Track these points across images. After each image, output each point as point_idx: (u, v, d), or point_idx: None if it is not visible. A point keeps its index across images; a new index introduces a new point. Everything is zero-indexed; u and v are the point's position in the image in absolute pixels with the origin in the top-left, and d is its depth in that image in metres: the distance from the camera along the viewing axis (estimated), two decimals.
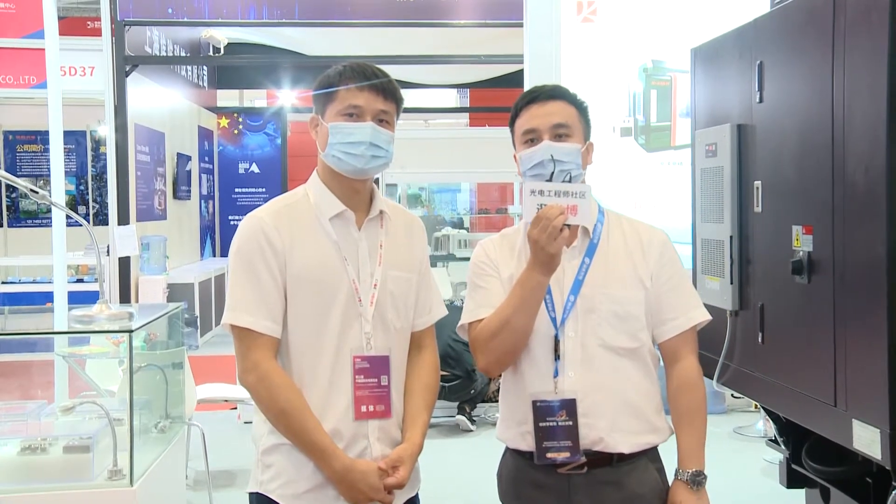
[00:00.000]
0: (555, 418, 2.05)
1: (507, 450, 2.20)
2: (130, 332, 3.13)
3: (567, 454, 2.04)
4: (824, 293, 2.47)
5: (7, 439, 3.13)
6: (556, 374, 2.06)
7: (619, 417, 2.07)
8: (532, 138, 2.10)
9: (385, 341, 2.07)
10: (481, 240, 2.30)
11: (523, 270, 2.02)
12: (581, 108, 2.16)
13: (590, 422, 2.05)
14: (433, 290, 2.24)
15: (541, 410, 2.05)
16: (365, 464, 2.01)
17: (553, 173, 2.04)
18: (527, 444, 2.09)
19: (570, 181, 2.04)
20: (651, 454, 2.13)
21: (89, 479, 3.02)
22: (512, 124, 2.18)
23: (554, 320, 2.07)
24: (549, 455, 2.05)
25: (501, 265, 2.15)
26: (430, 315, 2.22)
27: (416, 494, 2.19)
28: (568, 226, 1.96)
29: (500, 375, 2.22)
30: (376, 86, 2.04)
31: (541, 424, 2.05)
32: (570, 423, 2.04)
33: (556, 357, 2.07)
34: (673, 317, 2.13)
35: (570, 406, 2.04)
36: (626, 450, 2.07)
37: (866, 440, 2.26)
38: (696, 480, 2.07)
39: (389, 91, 2.06)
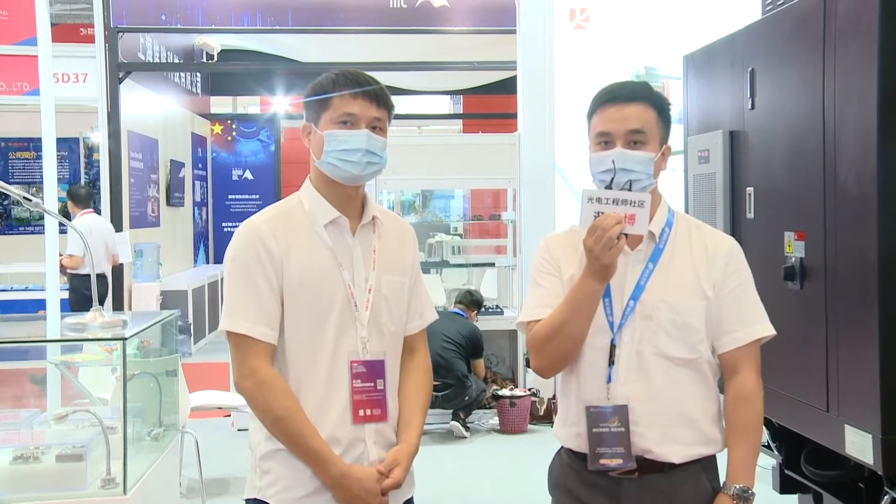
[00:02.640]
0: (607, 424, 2.02)
1: (562, 446, 2.17)
2: (124, 339, 3.12)
3: (620, 461, 2.01)
4: (816, 299, 2.48)
5: None
6: (609, 380, 2.03)
7: (671, 428, 2.03)
8: (606, 141, 2.03)
9: (380, 345, 2.09)
10: (547, 235, 2.23)
11: (579, 277, 1.99)
12: (661, 110, 2.07)
13: (640, 430, 2.02)
14: (425, 294, 2.26)
15: (594, 416, 2.03)
16: (361, 470, 2.02)
17: (613, 180, 1.98)
18: (577, 445, 2.08)
19: (630, 188, 1.98)
20: (706, 463, 2.08)
21: (82, 488, 3.00)
22: (589, 119, 2.10)
23: (611, 325, 2.04)
24: (602, 461, 2.02)
25: (564, 263, 2.11)
26: (422, 319, 2.23)
27: (411, 498, 2.20)
28: (625, 235, 1.91)
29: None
30: (370, 93, 2.06)
31: (594, 430, 2.02)
32: (623, 429, 2.01)
33: (611, 363, 2.03)
34: (733, 329, 2.06)
35: (622, 412, 2.01)
36: (676, 460, 2.03)
37: (858, 445, 2.27)
38: (744, 497, 2.01)
39: (382, 98, 2.08)
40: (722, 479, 2.09)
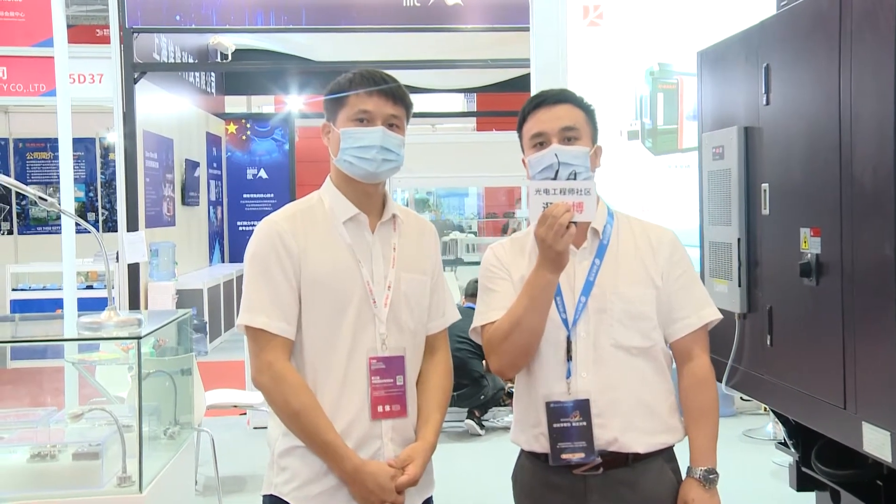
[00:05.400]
0: (568, 419, 2.05)
1: (522, 452, 2.20)
2: (139, 338, 3.14)
3: (582, 455, 2.04)
4: (833, 295, 2.46)
5: (17, 446, 3.14)
6: (568, 375, 2.07)
7: (633, 417, 2.07)
8: (541, 142, 2.10)
9: (399, 342, 2.11)
10: (491, 244, 2.31)
11: (532, 270, 2.03)
12: (588, 112, 2.17)
13: (604, 422, 2.06)
14: (447, 293, 2.28)
15: (554, 412, 2.06)
16: (375, 464, 2.03)
17: (557, 174, 2.05)
18: (541, 446, 2.10)
19: (574, 179, 2.04)
20: (666, 454, 2.14)
21: (98, 486, 3.02)
22: (520, 129, 2.19)
23: (566, 321, 2.08)
24: (563, 456, 2.05)
25: (512, 268, 2.16)
26: (444, 318, 2.25)
27: (431, 497, 2.21)
28: (575, 223, 1.96)
29: (513, 380, 2.22)
30: (386, 91, 2.09)
31: (555, 426, 2.06)
32: (584, 423, 2.04)
33: (569, 358, 2.07)
34: (684, 315, 2.14)
35: (583, 406, 2.05)
36: (641, 450, 2.07)
37: (876, 443, 2.25)
38: (709, 478, 2.08)
39: (399, 96, 2.10)
40: (681, 466, 2.14)
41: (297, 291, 2.04)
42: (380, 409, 2.06)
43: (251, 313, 2.04)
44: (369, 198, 2.13)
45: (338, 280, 2.05)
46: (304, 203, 2.16)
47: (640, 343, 2.09)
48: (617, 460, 2.07)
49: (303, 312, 2.05)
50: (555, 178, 2.04)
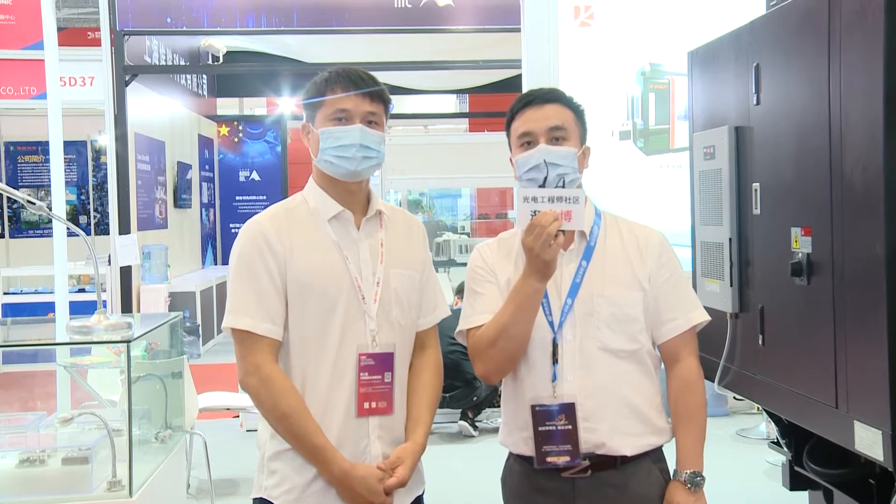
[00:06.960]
0: (554, 423, 2.04)
1: (511, 455, 2.20)
2: (128, 342, 3.13)
3: (567, 458, 2.04)
4: (824, 294, 2.46)
5: (6, 451, 3.13)
6: (554, 379, 2.06)
7: (619, 420, 2.06)
8: (528, 141, 2.09)
9: (390, 338, 2.09)
10: (478, 244, 2.30)
11: (519, 277, 2.02)
12: (577, 112, 2.15)
13: (591, 426, 2.05)
14: (437, 290, 2.26)
15: (540, 415, 2.05)
16: (364, 468, 2.02)
17: (546, 177, 2.04)
18: (529, 448, 2.09)
19: (563, 185, 2.03)
20: (655, 455, 2.13)
21: (88, 491, 3.01)
22: (508, 127, 2.18)
23: (552, 324, 2.07)
24: (549, 459, 2.05)
25: (499, 270, 2.15)
26: (434, 315, 2.24)
27: (421, 496, 2.20)
28: (563, 232, 1.95)
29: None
30: (362, 88, 2.08)
31: (540, 429, 2.05)
32: (570, 427, 2.04)
33: (555, 361, 2.06)
34: (672, 318, 2.13)
35: (569, 410, 2.04)
36: (628, 452, 2.07)
37: (868, 441, 2.25)
38: (694, 481, 2.07)
39: (376, 93, 2.10)
40: (670, 467, 2.13)
41: (282, 292, 2.03)
42: (366, 405, 2.05)
43: (236, 315, 2.02)
44: (353, 195, 2.12)
45: (325, 278, 2.04)
46: (288, 203, 2.15)
47: (626, 346, 2.08)
48: (605, 462, 2.06)
49: (290, 312, 2.04)
50: (544, 182, 2.03)
